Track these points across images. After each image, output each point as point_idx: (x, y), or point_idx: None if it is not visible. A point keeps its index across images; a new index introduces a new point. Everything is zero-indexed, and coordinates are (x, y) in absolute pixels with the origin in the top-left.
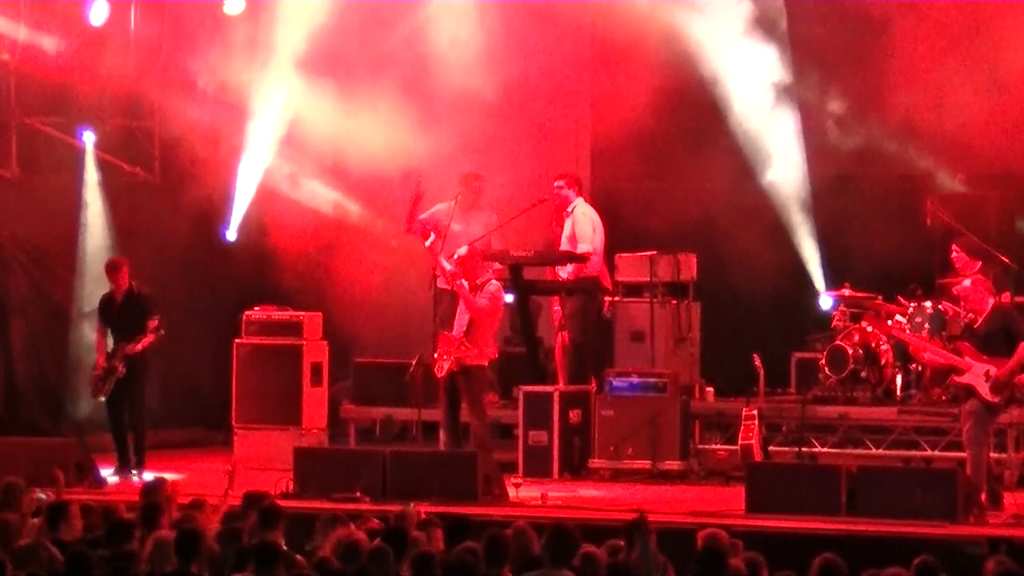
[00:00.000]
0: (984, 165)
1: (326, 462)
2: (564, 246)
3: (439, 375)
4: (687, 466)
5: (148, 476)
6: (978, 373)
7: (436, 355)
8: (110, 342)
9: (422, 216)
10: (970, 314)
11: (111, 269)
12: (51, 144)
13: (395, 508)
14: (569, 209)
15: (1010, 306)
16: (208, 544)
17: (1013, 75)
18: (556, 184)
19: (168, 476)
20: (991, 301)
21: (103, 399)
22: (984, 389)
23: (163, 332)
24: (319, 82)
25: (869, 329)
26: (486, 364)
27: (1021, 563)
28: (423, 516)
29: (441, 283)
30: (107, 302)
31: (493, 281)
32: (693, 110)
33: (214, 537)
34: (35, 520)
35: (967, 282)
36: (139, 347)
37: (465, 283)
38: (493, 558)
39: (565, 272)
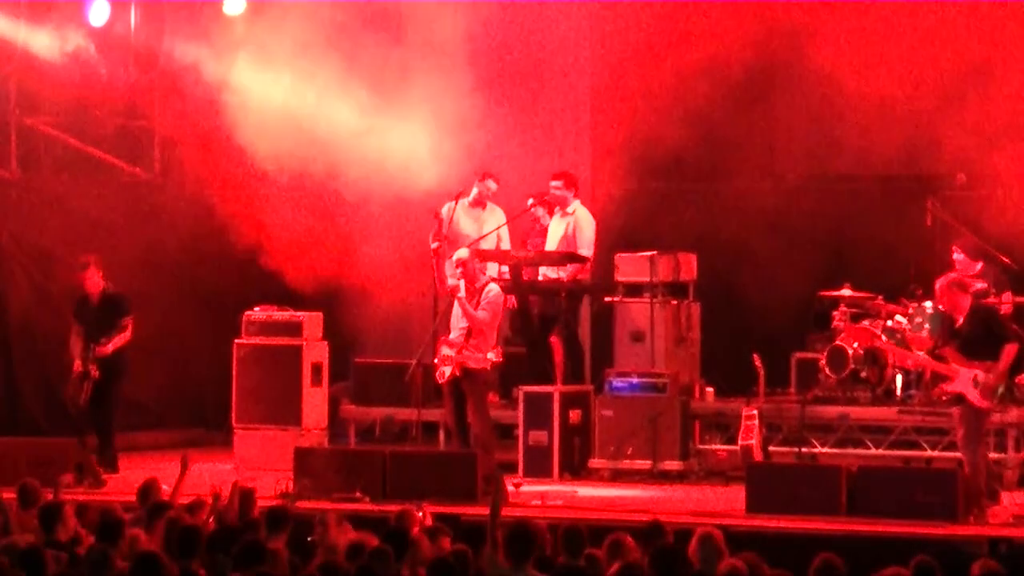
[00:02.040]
0: (984, 165)
1: (326, 462)
2: (559, 246)
3: (440, 380)
4: (687, 466)
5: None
6: (966, 379)
7: (436, 360)
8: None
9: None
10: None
11: (82, 269)
12: (51, 144)
13: (395, 508)
14: (570, 210)
15: (991, 306)
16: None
17: (1013, 75)
18: (553, 184)
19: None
20: (968, 300)
21: (83, 407)
22: (973, 395)
23: (128, 332)
24: (319, 82)
25: (855, 344)
26: (488, 367)
27: (1011, 565)
28: (430, 524)
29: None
30: (82, 303)
31: (492, 285)
32: (694, 109)
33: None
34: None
35: (939, 282)
36: (110, 348)
37: (463, 287)
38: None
39: (557, 273)
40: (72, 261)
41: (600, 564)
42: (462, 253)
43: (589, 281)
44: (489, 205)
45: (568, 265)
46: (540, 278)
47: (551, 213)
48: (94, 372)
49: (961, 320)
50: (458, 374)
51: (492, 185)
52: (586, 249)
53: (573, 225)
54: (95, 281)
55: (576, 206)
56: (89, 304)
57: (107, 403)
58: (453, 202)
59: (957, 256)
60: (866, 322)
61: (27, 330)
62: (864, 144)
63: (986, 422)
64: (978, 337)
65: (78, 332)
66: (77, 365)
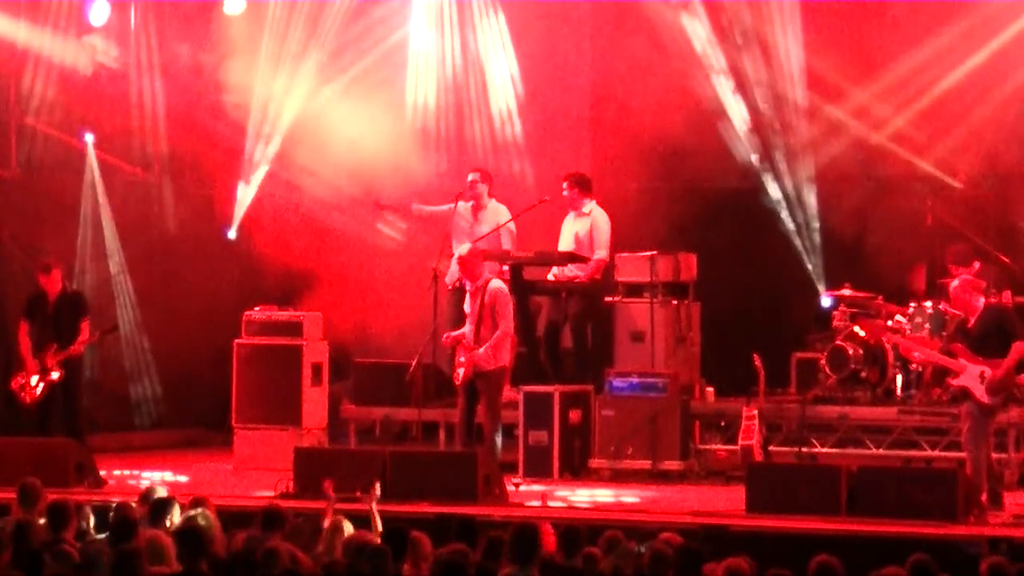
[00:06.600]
0: (984, 165)
1: (326, 462)
2: (575, 247)
3: (457, 382)
4: (687, 466)
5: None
6: (973, 375)
7: (455, 362)
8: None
9: (429, 208)
10: (958, 312)
11: (44, 271)
12: (51, 144)
13: (395, 508)
14: (585, 210)
15: (1004, 305)
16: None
17: (1013, 74)
18: (563, 186)
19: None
20: (982, 301)
21: (30, 404)
22: (979, 391)
23: (98, 334)
24: (319, 82)
25: (862, 333)
26: (504, 367)
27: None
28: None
29: (449, 280)
30: (37, 303)
31: (495, 282)
32: (694, 109)
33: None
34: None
35: (955, 283)
36: (81, 348)
37: (468, 283)
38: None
39: (574, 272)
40: (67, 260)
41: (597, 562)
42: (462, 250)
43: (590, 282)
44: (492, 204)
45: (570, 265)
46: (551, 278)
47: (576, 211)
48: (60, 373)
49: (973, 321)
50: (471, 375)
51: (479, 185)
52: (602, 250)
53: (589, 226)
54: (56, 283)
55: (592, 207)
56: (44, 304)
57: (77, 406)
58: (452, 204)
59: (955, 270)
60: None
61: (26, 330)
62: (864, 143)
63: (991, 420)
64: (989, 335)
65: (29, 333)
66: (31, 364)
